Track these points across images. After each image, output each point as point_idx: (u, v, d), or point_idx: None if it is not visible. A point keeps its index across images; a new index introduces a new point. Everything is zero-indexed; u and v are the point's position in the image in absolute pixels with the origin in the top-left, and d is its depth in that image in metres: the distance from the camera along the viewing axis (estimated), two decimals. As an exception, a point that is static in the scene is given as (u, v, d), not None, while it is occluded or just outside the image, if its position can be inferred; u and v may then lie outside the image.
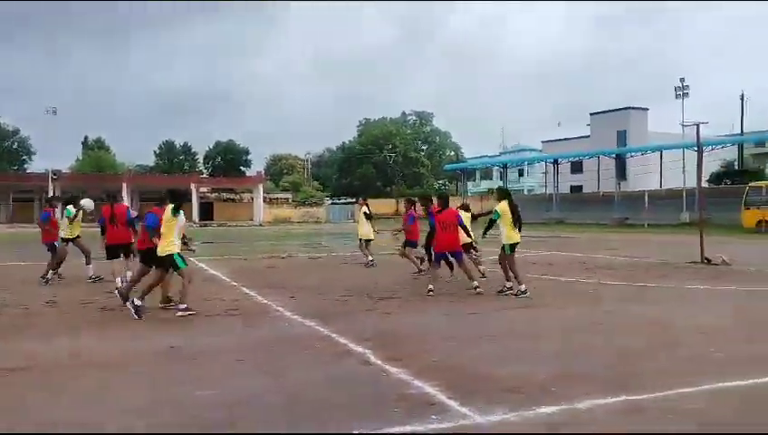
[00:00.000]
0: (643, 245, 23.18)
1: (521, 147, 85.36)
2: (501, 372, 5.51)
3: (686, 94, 53.49)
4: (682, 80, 53.99)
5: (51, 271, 11.95)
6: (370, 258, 15.21)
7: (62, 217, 12.73)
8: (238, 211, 62.67)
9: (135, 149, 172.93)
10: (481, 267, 12.18)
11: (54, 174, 52.89)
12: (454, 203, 11.65)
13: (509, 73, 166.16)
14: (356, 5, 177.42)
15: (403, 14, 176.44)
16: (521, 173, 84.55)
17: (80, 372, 5.70)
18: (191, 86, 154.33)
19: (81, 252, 12.17)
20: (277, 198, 69.63)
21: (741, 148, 52.63)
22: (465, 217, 11.73)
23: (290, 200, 69.61)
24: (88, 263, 12.15)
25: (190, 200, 54.86)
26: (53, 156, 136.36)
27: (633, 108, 63.30)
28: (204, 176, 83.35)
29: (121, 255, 10.97)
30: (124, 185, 53.58)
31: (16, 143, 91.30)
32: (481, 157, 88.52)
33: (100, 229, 11.46)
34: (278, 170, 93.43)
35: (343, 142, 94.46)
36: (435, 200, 11.50)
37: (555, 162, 57.16)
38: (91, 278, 11.96)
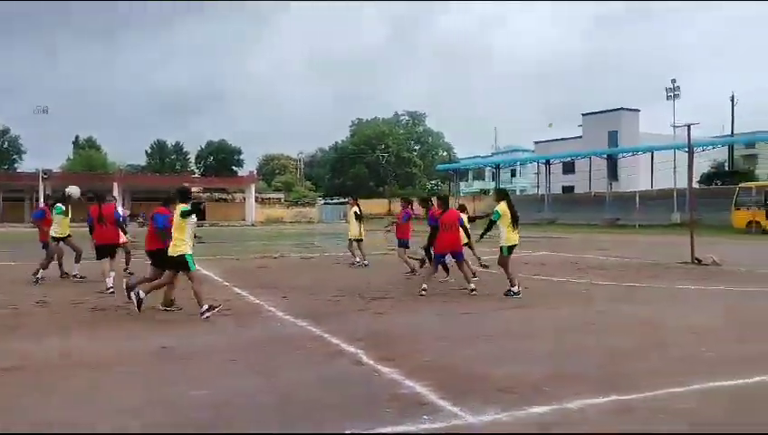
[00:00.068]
0: (634, 245, 23.28)
1: (513, 147, 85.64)
2: (493, 371, 5.52)
3: (677, 96, 53.78)
4: (673, 81, 54.40)
5: (41, 269, 11.90)
6: (358, 260, 15.27)
7: (41, 214, 12.74)
8: (230, 211, 62.48)
9: (126, 148, 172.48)
10: (473, 266, 12.20)
11: (45, 173, 52.56)
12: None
13: (501, 74, 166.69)
14: (348, 5, 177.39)
15: (396, 13, 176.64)
16: (513, 173, 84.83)
17: (72, 372, 5.67)
18: (183, 86, 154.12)
19: (73, 250, 12.15)
20: (269, 198, 69.47)
21: (731, 149, 52.98)
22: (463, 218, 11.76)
23: (282, 200, 69.49)
24: (77, 262, 12.16)
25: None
26: (44, 155, 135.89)
27: (625, 109, 63.63)
28: (195, 176, 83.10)
29: (109, 254, 10.95)
30: (115, 184, 53.34)
31: (6, 142, 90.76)
32: (473, 157, 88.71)
33: (88, 229, 11.45)
34: (270, 170, 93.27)
35: (336, 142, 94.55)
36: (435, 202, 11.54)
37: (547, 163, 57.35)
38: (75, 277, 11.97)
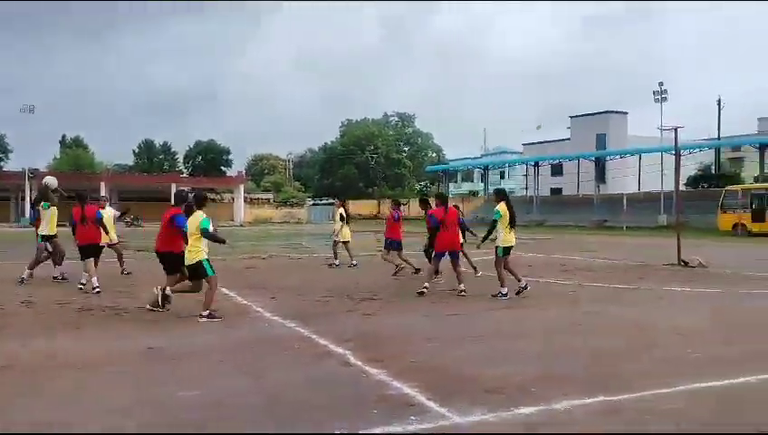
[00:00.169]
0: (621, 247, 23.41)
1: (502, 149, 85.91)
2: (481, 372, 5.53)
3: (664, 99, 54.09)
4: (660, 84, 54.57)
5: (28, 270, 11.82)
6: (338, 262, 15.35)
7: (36, 215, 12.60)
8: (219, 211, 62.04)
9: (114, 148, 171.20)
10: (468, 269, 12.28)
11: (31, 173, 52.11)
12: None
13: (490, 75, 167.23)
14: (338, 6, 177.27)
15: (385, 14, 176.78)
16: (502, 175, 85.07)
17: (59, 372, 5.62)
18: (172, 85, 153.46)
19: (56, 251, 12.05)
20: (258, 199, 69.28)
21: (718, 152, 53.37)
22: None
23: (271, 201, 69.31)
24: (59, 263, 12.09)
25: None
26: (31, 154, 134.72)
27: (613, 112, 63.99)
28: (184, 175, 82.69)
29: (93, 254, 10.95)
30: (102, 184, 53.02)
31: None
32: (463, 159, 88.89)
33: (71, 229, 11.41)
34: (259, 170, 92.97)
35: (325, 143, 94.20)
36: (433, 202, 11.59)
37: (536, 165, 57.62)
38: (55, 278, 11.92)
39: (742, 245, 25.08)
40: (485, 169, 70.63)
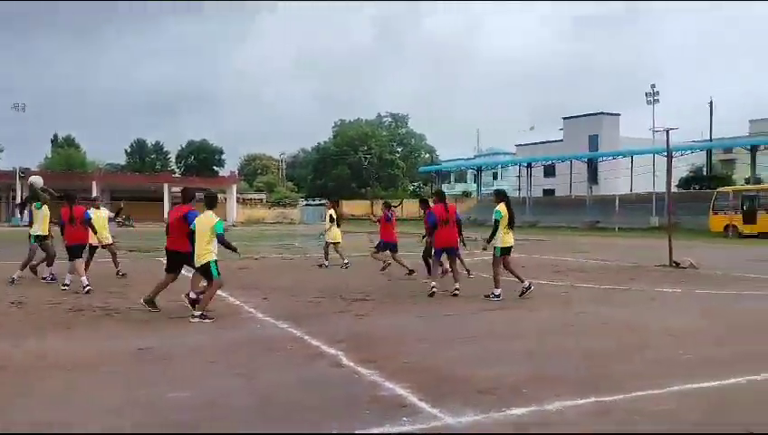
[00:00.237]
0: (613, 248, 23.50)
1: (495, 150, 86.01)
2: (473, 373, 5.53)
3: (656, 100, 54.33)
4: (653, 86, 54.76)
5: (20, 270, 11.80)
6: (326, 263, 15.37)
7: (28, 216, 12.54)
8: (211, 211, 62.02)
9: (106, 147, 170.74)
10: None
11: (23, 172, 51.85)
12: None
13: (484, 76, 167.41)
14: (331, 6, 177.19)
15: (379, 15, 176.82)
16: (495, 176, 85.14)
17: (50, 372, 5.59)
18: (165, 85, 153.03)
19: (46, 252, 11.99)
20: (251, 199, 69.19)
21: (709, 153, 53.64)
22: None
23: (264, 201, 69.21)
24: (49, 265, 12.04)
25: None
26: (22, 154, 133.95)
27: (605, 113, 64.18)
28: (176, 175, 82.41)
29: (81, 254, 10.98)
30: (94, 183, 52.82)
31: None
32: (456, 159, 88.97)
33: (59, 229, 11.40)
34: (252, 170, 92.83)
35: (318, 143, 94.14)
36: (431, 202, 11.65)
37: (529, 166, 57.77)
38: (44, 279, 11.88)
39: (733, 246, 25.22)
40: (478, 169, 70.74)
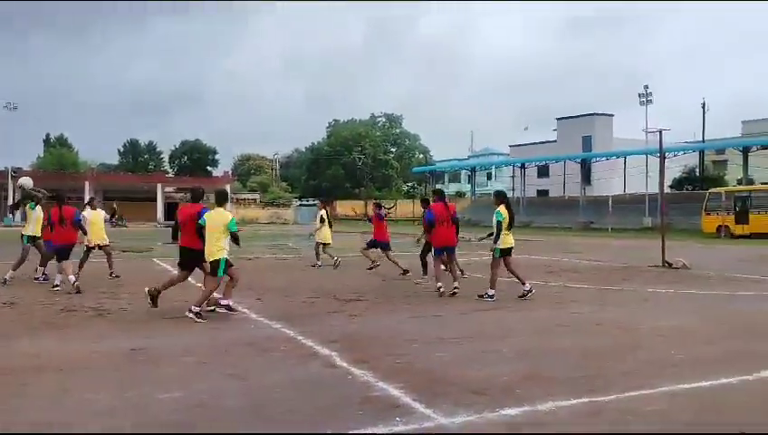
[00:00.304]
0: (607, 248, 23.56)
1: (489, 150, 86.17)
2: (467, 374, 5.54)
3: (650, 101, 54.53)
4: (646, 87, 55.03)
5: (42, 268, 11.92)
6: (319, 263, 15.42)
7: (22, 217, 12.48)
8: (205, 211, 61.86)
9: (99, 147, 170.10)
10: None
11: (14, 172, 51.60)
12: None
13: (478, 77, 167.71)
14: (325, 6, 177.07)
15: (374, 15, 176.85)
16: (489, 176, 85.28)
17: (44, 373, 5.57)
18: (158, 85, 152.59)
19: (38, 252, 11.95)
20: (245, 199, 69.00)
21: (702, 154, 53.88)
22: None
23: (257, 201, 69.07)
24: (42, 265, 12.02)
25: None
26: (14, 153, 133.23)
27: (598, 114, 64.35)
28: (169, 175, 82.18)
29: (69, 255, 11.01)
30: (87, 184, 52.63)
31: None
32: (450, 160, 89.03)
33: (48, 228, 11.39)
34: (246, 171, 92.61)
35: (312, 143, 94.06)
36: (431, 201, 11.70)
37: (522, 166, 57.87)
38: (36, 279, 11.84)
39: (725, 247, 25.32)
40: (472, 170, 70.79)
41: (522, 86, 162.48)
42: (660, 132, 18.44)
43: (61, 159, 73.36)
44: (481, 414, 4.42)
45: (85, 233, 11.89)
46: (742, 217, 31.69)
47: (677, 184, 52.76)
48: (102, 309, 8.87)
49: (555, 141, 67.26)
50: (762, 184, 37.64)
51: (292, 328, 7.49)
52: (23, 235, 11.95)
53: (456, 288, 10.25)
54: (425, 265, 12.04)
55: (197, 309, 8.03)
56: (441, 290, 10.11)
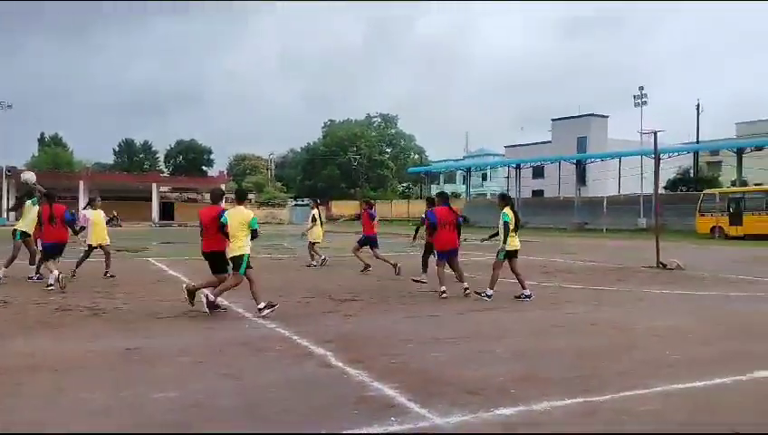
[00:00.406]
0: (601, 249, 23.62)
1: (484, 151, 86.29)
2: (461, 373, 5.55)
3: (644, 102, 54.67)
4: (641, 88, 55.17)
5: (4, 268, 11.71)
6: (315, 263, 15.59)
7: (17, 217, 12.42)
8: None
9: (94, 147, 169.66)
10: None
11: (9, 171, 51.42)
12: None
13: (473, 78, 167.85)
14: (322, 6, 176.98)
15: (370, 16, 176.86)
16: (484, 177, 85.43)
17: (39, 373, 5.55)
18: (154, 84, 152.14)
19: (28, 250, 11.92)
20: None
21: (696, 156, 54.06)
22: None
23: (252, 201, 68.95)
24: (32, 263, 11.99)
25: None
26: (8, 152, 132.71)
27: (593, 115, 64.53)
28: (164, 175, 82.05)
29: (59, 253, 11.04)
30: (81, 183, 52.48)
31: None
32: (445, 160, 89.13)
33: (39, 227, 11.39)
34: (241, 171, 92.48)
35: (308, 143, 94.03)
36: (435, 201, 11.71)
37: (517, 167, 57.95)
38: (31, 278, 11.81)
39: (719, 248, 25.41)
40: (468, 170, 70.88)
41: (520, 86, 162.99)
42: (655, 134, 18.54)
43: (55, 159, 73.26)
44: (476, 414, 4.43)
45: (75, 232, 11.89)
46: (736, 219, 31.81)
47: (672, 185, 52.92)
48: (97, 308, 8.85)
49: (550, 142, 67.41)
50: (756, 185, 37.78)
51: (287, 328, 7.49)
52: (15, 230, 11.89)
53: (466, 289, 10.25)
54: (425, 264, 12.03)
55: (212, 298, 8.25)
56: (444, 295, 10.09)
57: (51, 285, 10.62)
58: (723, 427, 4.37)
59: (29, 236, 11.78)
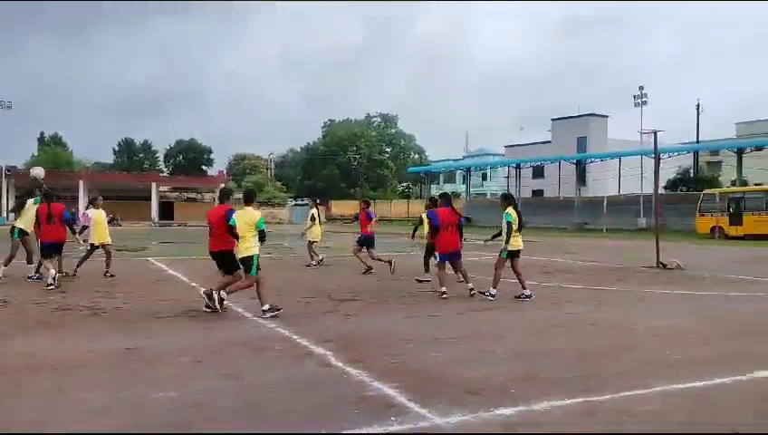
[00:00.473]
0: (601, 249, 23.62)
1: (484, 151, 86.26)
2: (461, 373, 5.54)
3: (644, 103, 54.65)
4: (641, 88, 55.12)
5: (36, 266, 11.86)
6: (314, 262, 15.66)
7: (16, 217, 12.39)
8: (199, 211, 61.56)
9: (94, 146, 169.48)
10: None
11: (8, 170, 51.42)
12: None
13: (473, 78, 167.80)
14: (321, 6, 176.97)
15: (370, 16, 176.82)
16: (484, 177, 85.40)
17: (39, 372, 5.55)
18: (154, 84, 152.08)
19: (25, 250, 11.92)
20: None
21: (696, 155, 54.04)
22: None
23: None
24: (29, 262, 12.01)
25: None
26: (8, 152, 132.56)
27: (593, 115, 64.50)
28: (164, 174, 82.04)
29: (58, 252, 11.06)
30: (81, 182, 52.48)
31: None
32: (445, 160, 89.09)
33: (37, 226, 11.41)
34: (241, 170, 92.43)
35: (308, 143, 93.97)
36: (438, 202, 11.72)
37: (517, 167, 57.95)
38: (30, 278, 11.82)
39: (719, 248, 25.41)
40: (467, 170, 70.86)
41: (519, 86, 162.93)
42: (655, 133, 18.54)
43: (55, 158, 73.17)
44: (476, 414, 4.43)
45: (74, 232, 11.90)
46: (735, 219, 31.79)
47: (672, 185, 52.89)
48: (97, 308, 8.84)
49: (550, 142, 67.39)
50: (756, 185, 37.77)
51: (287, 328, 7.49)
52: (13, 227, 11.86)
53: (471, 289, 10.25)
54: (427, 264, 12.07)
55: (224, 294, 8.36)
56: (444, 296, 10.08)
57: (50, 284, 10.62)
58: (723, 427, 4.37)
59: (27, 234, 11.77)
